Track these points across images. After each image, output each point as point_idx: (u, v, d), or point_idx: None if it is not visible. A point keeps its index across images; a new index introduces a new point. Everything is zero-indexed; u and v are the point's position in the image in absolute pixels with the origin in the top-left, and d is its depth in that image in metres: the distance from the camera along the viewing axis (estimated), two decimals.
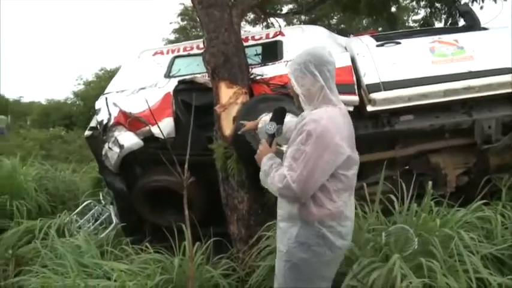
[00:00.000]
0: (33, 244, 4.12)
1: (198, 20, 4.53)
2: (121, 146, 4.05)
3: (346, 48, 4.51)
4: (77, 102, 23.52)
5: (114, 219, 4.95)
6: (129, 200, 4.32)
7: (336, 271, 2.31)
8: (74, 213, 5.02)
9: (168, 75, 4.69)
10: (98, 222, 5.17)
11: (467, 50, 4.05)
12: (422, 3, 9.35)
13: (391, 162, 4.03)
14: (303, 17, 15.84)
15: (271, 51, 4.64)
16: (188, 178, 3.02)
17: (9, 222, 5.09)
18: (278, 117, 2.33)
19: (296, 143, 2.01)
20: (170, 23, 28.46)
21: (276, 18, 6.93)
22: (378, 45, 4.26)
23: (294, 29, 5.25)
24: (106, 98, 4.43)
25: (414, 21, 14.63)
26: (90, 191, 5.99)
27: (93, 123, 4.50)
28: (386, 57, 4.09)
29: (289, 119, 2.48)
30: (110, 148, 4.12)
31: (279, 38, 4.89)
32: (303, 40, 4.75)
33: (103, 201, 5.46)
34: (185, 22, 29.24)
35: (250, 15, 27.03)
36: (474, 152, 4.02)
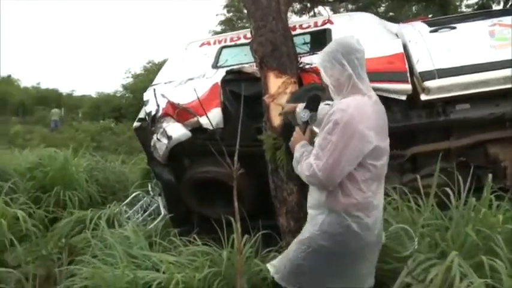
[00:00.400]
0: (84, 234, 4.20)
1: (245, 9, 4.43)
2: (169, 137, 4.04)
3: (397, 35, 4.32)
4: (126, 95, 24.19)
5: (162, 211, 5.00)
6: (177, 191, 4.33)
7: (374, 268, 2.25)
8: (123, 204, 5.10)
9: (215, 65, 4.66)
10: (146, 214, 5.24)
11: None
12: None
13: (445, 153, 3.82)
14: (350, 6, 15.50)
15: (320, 40, 4.50)
16: (238, 169, 2.94)
17: (63, 211, 5.24)
18: (312, 105, 2.35)
19: (323, 132, 2.03)
20: (216, 15, 28.83)
21: (324, 7, 6.76)
22: (431, 31, 4.04)
23: (342, 17, 5.07)
24: (154, 90, 4.44)
25: (467, 6, 13.94)
26: (139, 182, 6.10)
27: (141, 115, 4.53)
28: (440, 43, 3.86)
29: (323, 106, 2.45)
30: (158, 139, 4.13)
31: (327, 26, 4.75)
32: (352, 27, 4.59)
33: (151, 193, 5.55)
34: (231, 14, 29.51)
35: (297, 5, 27.09)
36: None
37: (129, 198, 5.20)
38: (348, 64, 2.08)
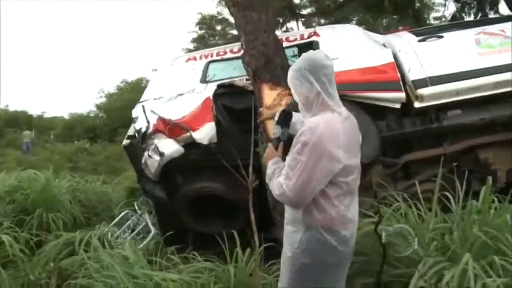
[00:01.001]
0: (75, 257, 4.05)
1: (234, 23, 4.44)
2: (161, 154, 3.97)
3: (384, 45, 4.39)
4: (100, 115, 23.79)
5: (152, 229, 4.89)
6: (170, 208, 4.25)
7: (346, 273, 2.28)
8: (112, 223, 4.97)
9: (204, 80, 4.64)
10: (134, 233, 5.12)
11: None
12: None
13: (438, 159, 3.90)
14: (322, 21, 15.73)
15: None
16: (252, 182, 2.92)
17: (47, 234, 5.05)
18: (283, 121, 2.33)
19: (293, 152, 2.02)
20: (188, 33, 28.82)
21: (296, 21, 6.86)
22: (419, 41, 4.14)
23: (327, 29, 5.13)
24: (143, 106, 4.37)
25: (435, 18, 14.35)
26: (125, 201, 5.95)
27: (130, 132, 4.44)
28: (430, 52, 3.96)
29: (297, 118, 2.42)
30: (149, 156, 4.05)
31: (314, 38, 4.80)
32: (338, 39, 4.67)
33: (139, 211, 5.42)
34: (203, 31, 29.57)
35: None
36: None
37: (118, 218, 5.06)
38: (316, 82, 2.07)
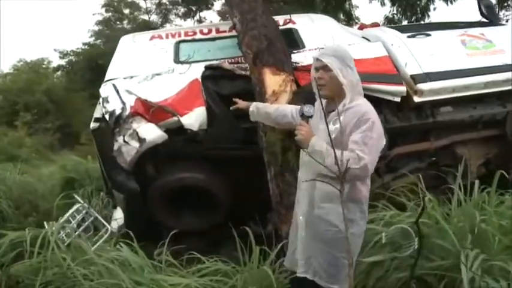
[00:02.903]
0: (31, 259, 3.40)
1: (225, 1, 4.09)
2: (142, 140, 3.50)
3: (367, 39, 4.37)
4: None
5: (111, 226, 4.35)
6: (142, 202, 3.79)
7: None
8: (63, 219, 4.32)
9: (177, 60, 4.22)
10: (81, 229, 4.52)
11: (496, 44, 4.08)
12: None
13: (419, 154, 4.03)
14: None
15: (289, 39, 4.33)
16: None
17: None
18: (311, 100, 2.44)
19: (362, 130, 2.14)
20: (93, 14, 27.00)
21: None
22: (409, 37, 4.16)
23: (303, 17, 4.96)
24: (114, 85, 3.84)
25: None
26: (63, 194, 5.23)
27: (97, 114, 3.87)
28: (421, 49, 3.99)
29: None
30: (126, 142, 3.55)
31: (291, 26, 4.62)
32: (317, 29, 4.55)
33: (85, 205, 4.80)
34: (110, 14, 27.83)
35: (181, 9, 26.60)
36: (498, 143, 4.10)
37: (70, 212, 4.42)
38: (353, 70, 2.30)
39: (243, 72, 3.79)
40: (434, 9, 9.55)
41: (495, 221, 2.68)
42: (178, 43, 4.50)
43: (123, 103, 3.65)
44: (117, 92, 3.75)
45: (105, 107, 3.71)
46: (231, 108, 3.12)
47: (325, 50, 2.37)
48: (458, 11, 9.71)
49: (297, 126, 2.28)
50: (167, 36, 4.68)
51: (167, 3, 27.45)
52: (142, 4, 27.86)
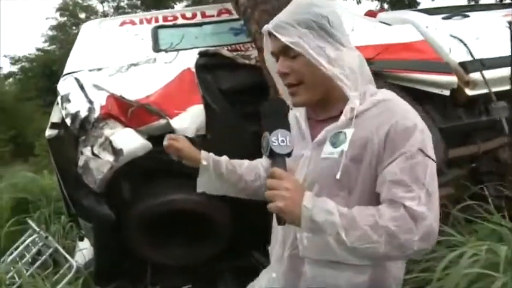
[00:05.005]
0: None
1: None
2: (117, 151, 2.58)
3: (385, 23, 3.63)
4: None
5: (76, 260, 3.43)
6: (117, 232, 2.88)
7: None
8: (14, 254, 3.40)
9: (157, 48, 3.35)
10: (37, 264, 3.59)
11: None
12: None
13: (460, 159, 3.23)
14: None
15: None
16: None
17: None
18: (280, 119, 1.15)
19: (406, 153, 1.10)
20: (47, 19, 25.61)
21: None
22: (443, 18, 3.43)
23: None
24: (77, 79, 2.90)
25: None
26: (15, 218, 4.25)
27: (55, 118, 2.91)
28: (464, 31, 3.25)
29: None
30: (95, 155, 2.62)
31: None
32: None
33: (42, 233, 3.84)
34: (65, 18, 26.42)
35: (140, 13, 25.46)
36: None
37: (24, 245, 3.51)
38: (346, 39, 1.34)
39: (247, 62, 2.96)
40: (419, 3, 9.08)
41: None
42: (156, 29, 3.64)
43: (91, 102, 2.72)
44: (82, 87, 2.82)
45: (65, 108, 2.76)
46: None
47: (280, 15, 1.23)
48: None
49: (267, 180, 1.08)
50: (141, 22, 3.83)
51: (125, 6, 26.42)
52: (99, 8, 26.60)
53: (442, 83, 2.87)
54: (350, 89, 1.18)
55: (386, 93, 1.22)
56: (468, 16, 3.47)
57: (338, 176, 1.13)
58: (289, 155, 1.08)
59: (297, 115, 1.33)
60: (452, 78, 2.88)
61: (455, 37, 3.15)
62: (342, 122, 1.17)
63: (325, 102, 1.24)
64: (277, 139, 1.06)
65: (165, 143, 1.57)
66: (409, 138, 1.09)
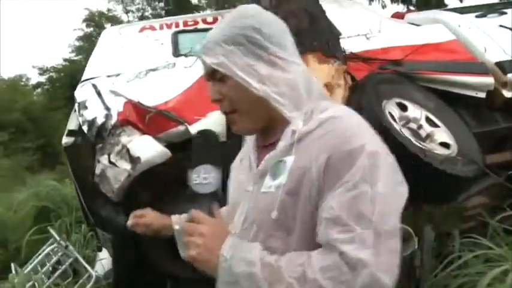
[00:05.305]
0: None
1: None
2: (135, 159, 2.49)
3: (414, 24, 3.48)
4: None
5: (96, 271, 3.37)
6: (136, 243, 2.78)
7: None
8: (35, 262, 3.38)
9: (177, 53, 3.27)
10: (57, 274, 3.54)
11: None
12: None
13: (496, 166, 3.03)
14: None
15: None
16: None
17: None
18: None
19: (348, 182, 0.86)
20: (74, 30, 26.11)
21: None
22: (477, 16, 3.25)
23: (331, 4, 4.08)
24: (94, 85, 2.83)
25: None
26: (37, 227, 4.25)
27: (72, 125, 2.85)
28: (500, 30, 3.06)
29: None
30: (112, 163, 2.54)
31: None
32: (349, 15, 3.68)
33: (62, 242, 3.80)
34: (91, 29, 26.90)
35: None
36: None
37: (44, 252, 3.49)
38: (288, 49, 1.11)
39: None
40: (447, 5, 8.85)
41: None
42: (176, 34, 3.57)
43: (108, 108, 2.65)
44: (99, 93, 2.75)
45: (82, 115, 2.70)
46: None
47: (210, 33, 1.05)
48: None
49: (183, 224, 0.97)
50: (161, 27, 3.78)
51: (150, 16, 26.73)
52: (124, 18, 27.00)
53: (477, 84, 2.69)
54: (289, 110, 0.99)
55: (337, 110, 0.99)
56: (505, 13, 3.27)
57: (273, 215, 0.93)
58: (213, 194, 0.92)
59: (248, 143, 1.15)
60: (489, 79, 2.70)
61: (490, 36, 2.96)
62: (281, 149, 0.98)
63: (270, 126, 1.05)
64: (198, 176, 0.91)
65: (129, 222, 1.42)
66: (352, 164, 0.87)
